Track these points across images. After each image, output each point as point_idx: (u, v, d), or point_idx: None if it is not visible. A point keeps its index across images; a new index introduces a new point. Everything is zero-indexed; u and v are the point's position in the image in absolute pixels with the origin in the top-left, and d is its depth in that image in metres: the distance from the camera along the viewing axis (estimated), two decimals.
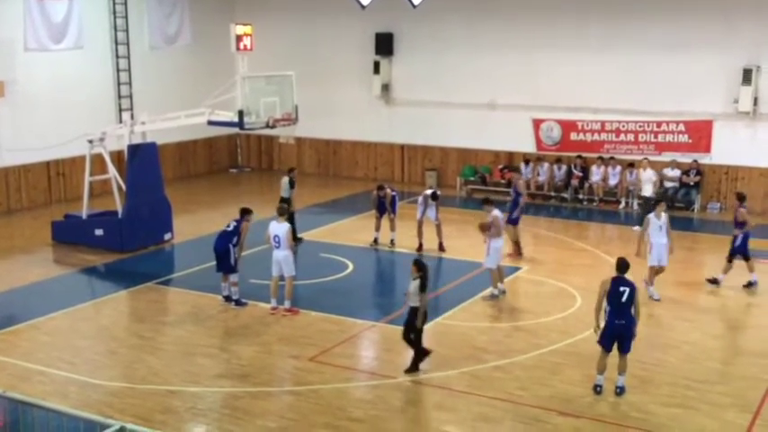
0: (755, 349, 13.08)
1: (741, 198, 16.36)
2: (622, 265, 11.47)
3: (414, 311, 11.92)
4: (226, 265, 14.84)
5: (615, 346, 11.32)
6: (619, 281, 11.31)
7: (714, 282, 16.01)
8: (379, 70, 26.12)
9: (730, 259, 15.95)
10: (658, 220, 15.18)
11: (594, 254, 18.45)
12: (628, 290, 11.22)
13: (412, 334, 12.03)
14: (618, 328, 11.24)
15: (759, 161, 22.18)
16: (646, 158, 21.99)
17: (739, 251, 15.87)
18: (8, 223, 21.25)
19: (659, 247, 15.13)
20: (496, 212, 15.34)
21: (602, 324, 11.41)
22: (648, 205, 20.62)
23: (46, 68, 22.60)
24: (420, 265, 12.03)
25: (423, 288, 11.85)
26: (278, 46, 26.31)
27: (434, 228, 18.24)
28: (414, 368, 12.00)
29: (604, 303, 11.39)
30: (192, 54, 26.65)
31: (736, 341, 13.49)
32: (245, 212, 14.98)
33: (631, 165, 22.98)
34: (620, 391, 11.35)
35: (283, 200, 18.56)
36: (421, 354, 12.08)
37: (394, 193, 18.72)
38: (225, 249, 14.78)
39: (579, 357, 12.62)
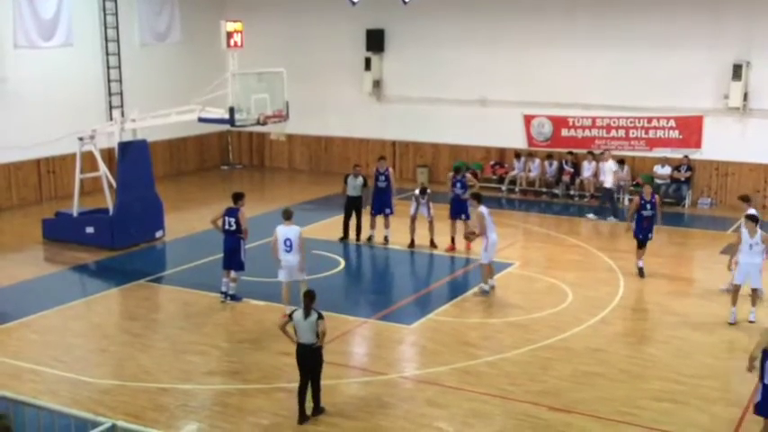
0: (745, 344, 13.11)
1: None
2: None
3: (318, 350, 10.57)
4: (235, 261, 14.76)
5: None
6: None
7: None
8: (371, 67, 26.11)
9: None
10: (751, 238, 13.67)
11: (586, 249, 18.49)
12: None
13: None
14: None
15: (749, 156, 22.23)
16: (607, 150, 22.30)
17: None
18: None
19: (746, 266, 13.75)
20: (482, 209, 15.36)
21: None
22: (607, 197, 21.31)
23: (36, 66, 22.49)
24: (313, 295, 10.65)
25: (321, 317, 10.49)
26: (268, 43, 26.26)
27: (427, 224, 18.25)
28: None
29: None
30: (182, 51, 26.58)
31: (725, 336, 13.53)
32: (238, 198, 14.81)
33: (622, 161, 23.03)
34: None
35: (352, 199, 18.47)
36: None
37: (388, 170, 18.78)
38: (235, 246, 14.70)
39: (570, 353, 12.68)
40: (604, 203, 21.42)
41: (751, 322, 13.77)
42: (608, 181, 21.19)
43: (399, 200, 21.53)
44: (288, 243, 13.82)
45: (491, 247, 15.31)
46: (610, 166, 21.24)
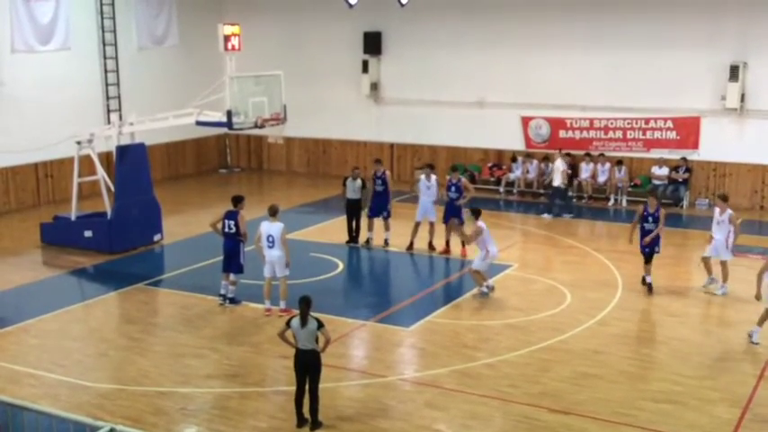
0: (744, 345, 13.15)
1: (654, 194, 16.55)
2: None
3: (317, 356, 10.41)
4: (235, 264, 14.77)
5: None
6: None
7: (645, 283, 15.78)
8: (368, 69, 26.12)
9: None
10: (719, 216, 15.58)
11: (584, 251, 18.50)
12: None
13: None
14: None
15: (746, 157, 22.26)
16: (559, 149, 22.77)
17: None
18: None
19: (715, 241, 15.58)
20: (480, 224, 15.27)
21: None
22: (558, 195, 21.74)
23: (33, 70, 22.48)
24: (309, 302, 10.37)
25: (321, 325, 10.31)
26: (266, 46, 26.29)
27: (428, 226, 18.18)
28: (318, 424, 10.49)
29: None
30: (180, 54, 26.59)
31: (724, 337, 13.54)
32: (237, 201, 14.83)
33: (620, 162, 23.08)
34: None
35: (351, 202, 18.39)
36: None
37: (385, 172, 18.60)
38: (235, 249, 14.73)
39: (569, 354, 12.68)
40: (553, 202, 21.77)
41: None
42: (556, 179, 21.59)
43: (399, 202, 21.53)
44: (270, 239, 14.14)
45: (489, 259, 15.31)
46: (557, 165, 21.61)
